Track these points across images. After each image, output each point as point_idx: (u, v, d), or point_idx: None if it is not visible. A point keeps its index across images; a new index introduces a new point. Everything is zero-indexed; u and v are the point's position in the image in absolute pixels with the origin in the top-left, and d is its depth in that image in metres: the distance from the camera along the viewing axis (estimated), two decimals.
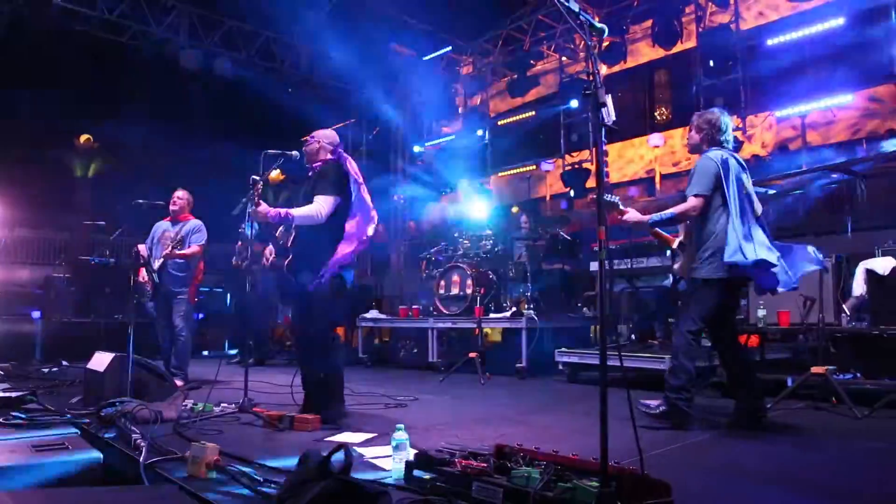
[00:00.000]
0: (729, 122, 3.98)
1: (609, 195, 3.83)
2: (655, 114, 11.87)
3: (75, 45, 10.80)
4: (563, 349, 6.40)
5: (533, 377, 6.60)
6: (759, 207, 3.86)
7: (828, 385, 4.41)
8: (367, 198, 4.20)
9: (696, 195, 3.82)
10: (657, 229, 4.11)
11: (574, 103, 11.40)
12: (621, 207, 3.93)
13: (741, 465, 3.07)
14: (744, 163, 3.95)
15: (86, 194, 14.89)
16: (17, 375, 6.36)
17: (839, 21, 8.90)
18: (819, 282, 4.63)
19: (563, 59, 12.41)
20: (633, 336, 7.12)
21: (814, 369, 4.43)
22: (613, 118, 2.32)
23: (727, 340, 3.96)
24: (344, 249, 4.03)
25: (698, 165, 3.88)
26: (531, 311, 7.11)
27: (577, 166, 11.82)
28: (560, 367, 6.38)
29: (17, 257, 13.02)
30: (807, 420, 4.14)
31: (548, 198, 13.06)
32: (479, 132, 13.55)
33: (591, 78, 2.39)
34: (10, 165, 10.92)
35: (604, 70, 11.30)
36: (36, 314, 8.48)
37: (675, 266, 4.16)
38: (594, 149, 11.58)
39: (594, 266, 8.06)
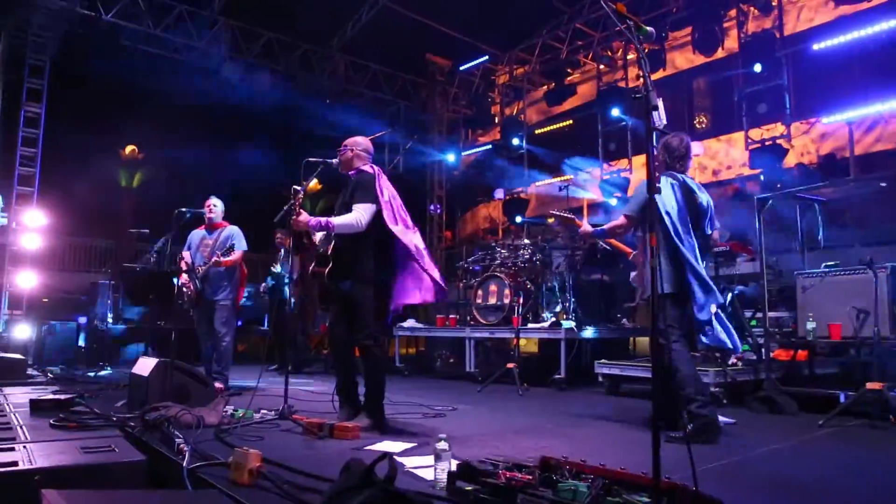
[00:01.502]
0: (683, 146, 4.20)
1: (562, 211, 4.53)
2: (695, 122, 11.69)
3: (122, 58, 11.11)
4: (603, 361, 6.30)
5: (572, 389, 6.51)
6: (708, 232, 4.13)
7: (885, 402, 4.23)
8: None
9: (624, 214, 4.20)
10: (612, 240, 4.69)
11: (615, 112, 11.26)
12: (577, 221, 4.46)
13: (792, 483, 2.95)
14: (694, 187, 4.12)
15: (130, 204, 15.27)
16: (65, 379, 6.50)
17: (891, 24, 8.63)
18: (874, 294, 4.46)
19: (601, 67, 12.32)
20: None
21: (869, 385, 4.26)
22: (664, 122, 2.27)
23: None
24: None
25: (636, 189, 4.28)
26: (570, 322, 7.02)
27: (614, 175, 11.68)
28: (600, 378, 6.28)
29: (64, 264, 13.40)
30: (862, 438, 3.97)
31: (585, 207, 12.92)
32: (516, 141, 13.50)
33: (641, 81, 2.33)
34: (61, 176, 11.26)
35: (641, 81, 11.15)
36: (82, 320, 8.69)
37: (631, 277, 4.52)
38: (634, 157, 11.50)
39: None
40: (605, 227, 4.37)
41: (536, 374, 6.80)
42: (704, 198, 4.16)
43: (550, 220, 10.94)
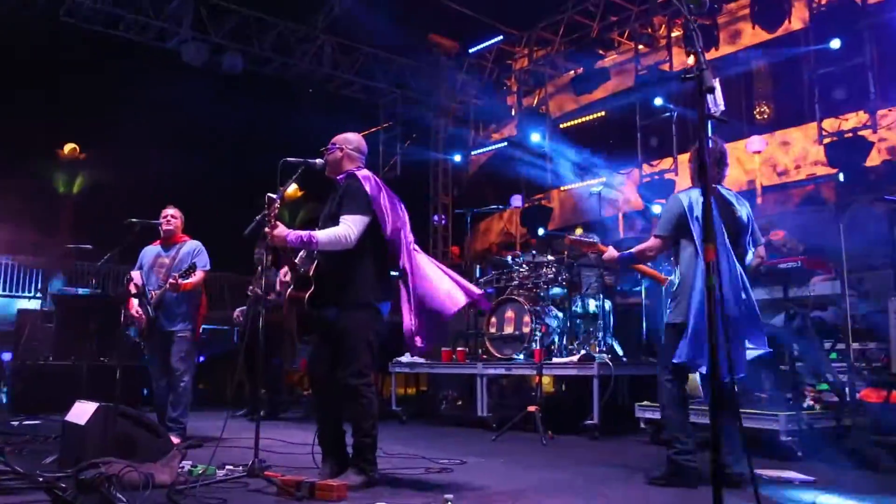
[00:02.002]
0: (720, 154, 4.35)
1: (587, 234, 4.94)
2: (755, 112, 11.64)
3: (60, 38, 11.15)
4: (646, 403, 6.22)
5: (607, 437, 6.42)
6: (750, 250, 4.34)
7: None
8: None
9: (655, 235, 4.39)
10: (643, 266, 4.99)
11: (658, 100, 11.22)
12: (599, 245, 4.66)
13: None
14: (732, 199, 4.34)
15: (70, 213, 15.29)
16: None
17: None
18: None
19: (640, 47, 12.31)
20: (734, 387, 6.87)
21: None
22: (722, 107, 2.21)
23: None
24: None
25: (665, 204, 4.47)
26: (604, 355, 6.95)
27: (655, 177, 11.64)
28: (642, 424, 6.20)
29: None
30: None
31: (621, 216, 12.88)
32: (537, 137, 13.47)
33: (690, 61, 2.28)
34: None
35: (691, 60, 11.15)
36: (7, 356, 8.61)
37: (668, 306, 4.60)
38: (680, 154, 11.46)
39: None
40: (633, 250, 4.53)
41: (564, 419, 6.73)
42: (744, 211, 4.31)
43: (580, 231, 10.92)
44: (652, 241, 4.39)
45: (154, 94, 13.41)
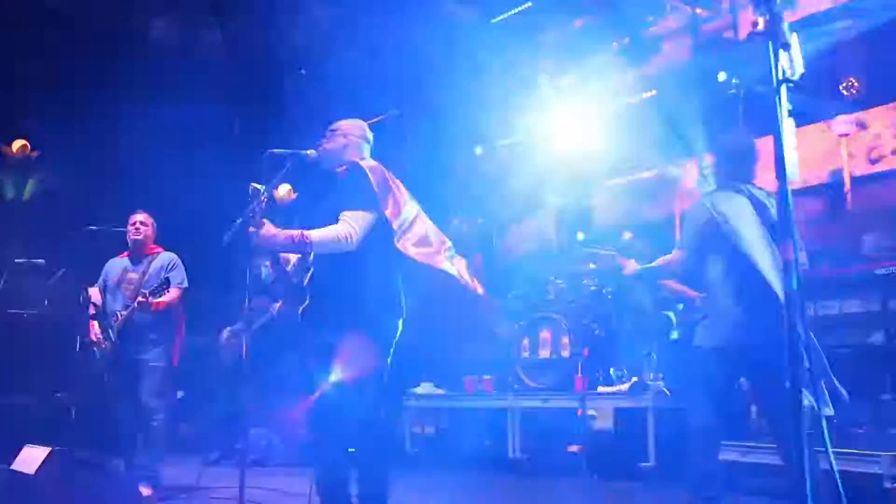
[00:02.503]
0: (749, 148, 4.55)
1: (604, 247, 5.14)
2: (840, 87, 11.54)
3: (5, 12, 11.25)
4: None
5: (666, 483, 6.34)
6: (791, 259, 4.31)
7: None
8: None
9: (679, 248, 4.60)
10: (670, 282, 5.45)
11: (721, 75, 11.14)
12: (619, 258, 4.90)
13: None
14: (766, 200, 4.39)
15: (19, 222, 15.40)
16: None
17: None
18: None
19: (698, 11, 12.24)
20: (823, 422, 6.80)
21: None
22: (802, 69, 2.16)
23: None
24: None
25: (686, 211, 4.83)
26: (660, 383, 6.92)
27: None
28: None
29: None
30: None
31: (678, 214, 12.77)
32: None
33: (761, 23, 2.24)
34: None
35: (760, 25, 11.05)
36: None
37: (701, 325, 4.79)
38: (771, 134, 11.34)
39: None
40: (654, 264, 4.76)
41: (614, 461, 6.76)
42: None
43: (628, 235, 10.84)
44: (675, 254, 4.59)
45: (118, 77, 13.50)
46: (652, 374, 7.28)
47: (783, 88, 2.15)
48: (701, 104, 11.78)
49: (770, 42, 2.10)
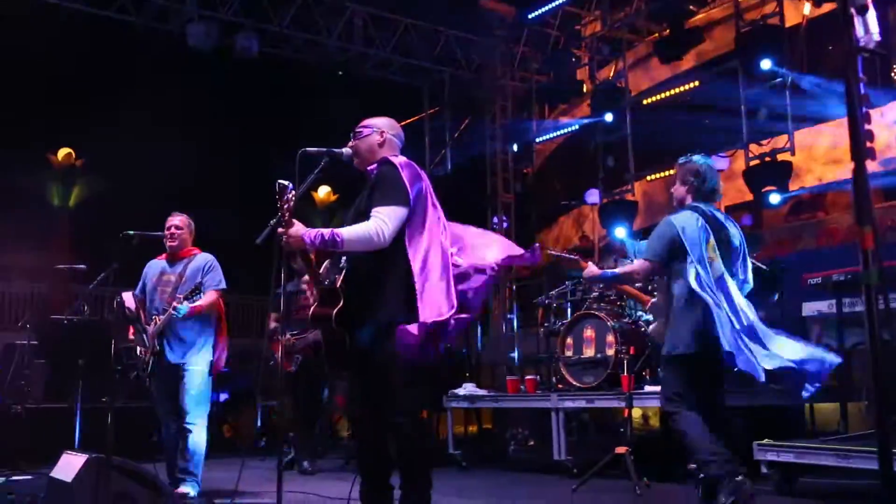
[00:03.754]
0: (713, 171, 5.07)
1: (563, 250, 5.54)
2: (892, 73, 11.18)
3: (45, 25, 11.31)
4: (767, 442, 5.94)
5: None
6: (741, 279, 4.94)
7: None
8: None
9: (645, 258, 4.97)
10: (626, 286, 6.05)
11: (765, 63, 10.84)
12: (582, 262, 5.26)
13: None
14: (725, 221, 4.97)
15: (65, 229, 15.56)
16: None
17: None
18: None
19: None
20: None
21: None
22: (877, 37, 1.93)
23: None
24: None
25: (656, 228, 5.01)
26: None
27: (767, 159, 11.26)
28: (763, 469, 5.92)
29: None
30: None
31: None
32: (611, 118, 13.22)
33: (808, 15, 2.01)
34: None
35: (806, 9, 10.72)
36: None
37: (650, 329, 5.78)
38: (798, 131, 11.06)
39: (811, 308, 7.60)
40: (618, 270, 5.38)
41: (662, 463, 6.55)
42: (737, 235, 4.93)
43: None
44: (640, 264, 5.05)
45: (157, 85, 13.57)
46: None
47: (856, 57, 1.91)
48: (745, 94, 11.54)
49: (843, 7, 1.86)
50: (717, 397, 5.01)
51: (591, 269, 5.17)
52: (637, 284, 6.63)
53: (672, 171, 12.87)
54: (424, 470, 3.99)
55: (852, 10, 1.87)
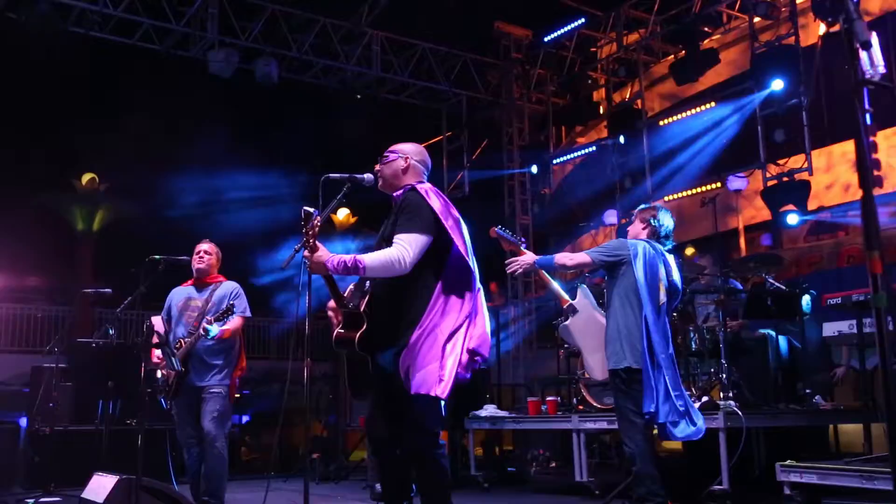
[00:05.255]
0: (671, 220, 5.64)
1: (508, 232, 5.47)
2: None
3: (70, 53, 11.45)
4: (790, 463, 5.87)
5: None
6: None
7: None
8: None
9: (588, 253, 5.38)
10: (548, 277, 6.02)
11: (777, 84, 10.87)
12: (520, 249, 5.39)
13: None
14: (674, 265, 5.50)
15: (89, 252, 15.68)
16: None
17: None
18: None
19: (756, 20, 12.00)
20: None
21: None
22: (882, 69, 2.00)
23: None
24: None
25: (620, 239, 5.57)
26: (731, 403, 6.67)
27: (784, 179, 11.26)
28: (787, 490, 5.82)
29: None
30: None
31: (741, 229, 12.52)
32: (631, 139, 13.26)
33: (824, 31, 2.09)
34: None
35: (821, 29, 10.75)
36: (22, 421, 8.77)
37: (560, 322, 6.36)
38: (815, 150, 11.03)
39: (832, 329, 7.58)
40: (555, 256, 5.44)
41: (683, 484, 6.47)
42: (678, 277, 5.44)
43: (690, 252, 10.62)
44: (582, 257, 5.40)
45: (179, 112, 13.71)
46: (720, 394, 7.11)
47: (862, 91, 1.99)
48: (761, 114, 11.56)
49: (848, 41, 1.94)
50: None
51: (527, 256, 5.35)
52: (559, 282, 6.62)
53: (692, 192, 12.99)
54: (444, 496, 3.96)
55: (857, 46, 1.96)
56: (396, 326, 3.94)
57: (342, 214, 19.40)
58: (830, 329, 7.60)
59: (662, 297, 5.30)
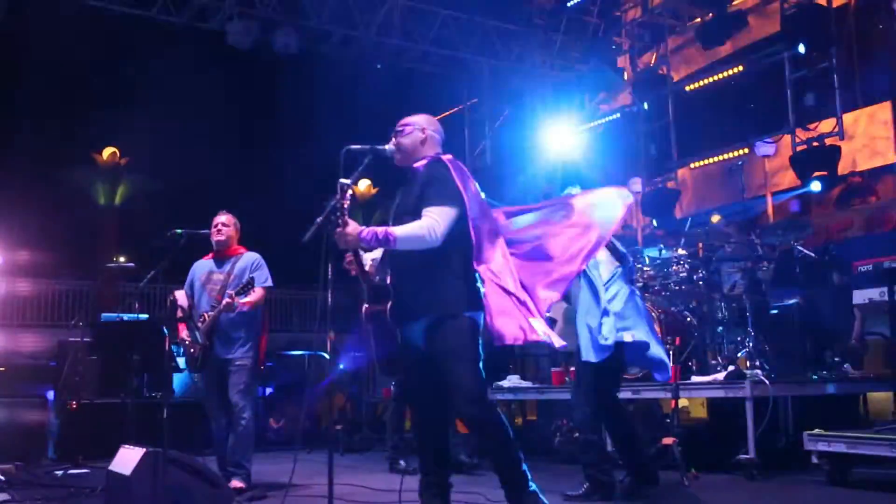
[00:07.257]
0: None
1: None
2: None
3: (88, 27, 11.49)
4: (818, 431, 5.91)
5: (768, 476, 6.17)
6: None
7: None
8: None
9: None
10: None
11: (807, 47, 10.71)
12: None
13: None
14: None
15: (111, 226, 15.81)
16: (21, 482, 6.58)
17: None
18: None
19: None
20: None
21: None
22: None
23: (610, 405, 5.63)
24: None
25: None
26: (758, 372, 6.71)
27: (814, 144, 11.12)
28: (814, 459, 5.89)
29: (20, 318, 13.89)
30: None
31: (769, 196, 12.42)
32: (657, 105, 13.16)
33: None
34: (8, 192, 11.68)
35: None
36: (49, 395, 8.92)
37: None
38: (846, 113, 10.90)
39: (862, 296, 7.55)
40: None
41: (710, 454, 6.57)
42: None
43: (716, 218, 10.56)
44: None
45: (199, 84, 13.75)
46: (747, 363, 7.13)
47: None
48: (791, 78, 11.43)
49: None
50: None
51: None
52: None
53: (718, 158, 12.87)
54: (513, 460, 4.00)
55: (893, 6, 1.93)
56: (423, 297, 4.00)
57: (363, 185, 19.49)
58: (861, 296, 7.56)
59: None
